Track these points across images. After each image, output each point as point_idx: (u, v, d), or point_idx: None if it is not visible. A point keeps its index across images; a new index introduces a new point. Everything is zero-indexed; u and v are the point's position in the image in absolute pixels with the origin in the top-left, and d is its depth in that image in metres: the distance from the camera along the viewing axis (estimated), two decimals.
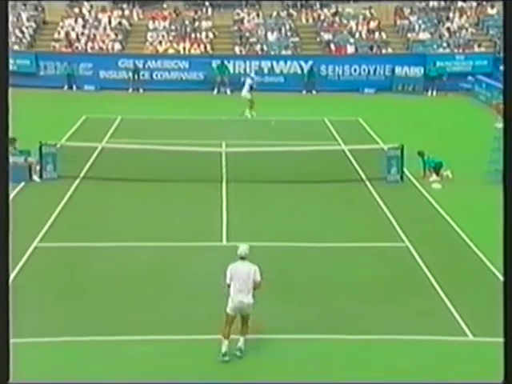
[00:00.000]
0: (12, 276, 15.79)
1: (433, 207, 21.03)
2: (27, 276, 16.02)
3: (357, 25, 43.84)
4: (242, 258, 13.02)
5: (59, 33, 43.09)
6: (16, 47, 41.77)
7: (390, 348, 13.28)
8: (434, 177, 23.42)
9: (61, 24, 43.61)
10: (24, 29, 42.92)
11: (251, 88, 33.22)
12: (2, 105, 3.17)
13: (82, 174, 23.74)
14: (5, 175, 3.17)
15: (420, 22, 43.92)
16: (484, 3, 44.55)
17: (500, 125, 23.61)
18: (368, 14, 44.39)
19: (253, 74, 31.68)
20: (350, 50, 42.49)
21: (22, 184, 22.62)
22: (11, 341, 3.40)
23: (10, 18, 42.93)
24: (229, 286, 12.68)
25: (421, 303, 14.96)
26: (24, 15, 43.61)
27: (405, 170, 23.65)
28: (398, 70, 40.50)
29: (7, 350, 3.37)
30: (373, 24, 43.78)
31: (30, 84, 38.82)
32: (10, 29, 42.24)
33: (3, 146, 3.22)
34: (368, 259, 17.43)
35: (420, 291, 15.47)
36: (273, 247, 17.93)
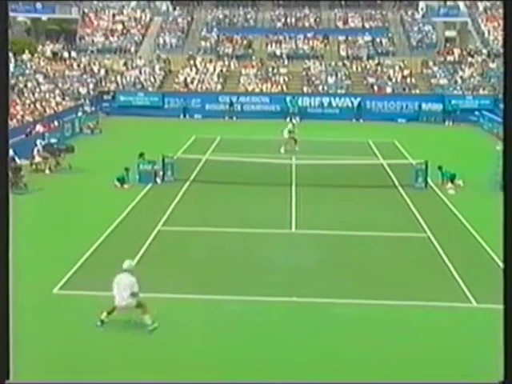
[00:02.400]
0: (142, 250, 16.12)
1: (448, 208, 20.64)
2: (154, 250, 16.31)
3: (393, 72, 43.24)
4: (125, 271, 12.00)
5: (179, 78, 43.75)
6: (150, 89, 42.72)
7: (411, 311, 13.06)
8: (450, 185, 22.96)
9: (181, 72, 44.28)
10: (156, 76, 43.78)
11: (289, 132, 29.34)
12: (2, 105, 2.72)
13: (191, 178, 24.02)
14: (5, 175, 2.72)
15: (440, 71, 43.17)
16: (487, 59, 43.56)
17: (499, 147, 23.00)
18: (402, 65, 43.75)
19: (294, 121, 28.74)
20: (389, 90, 41.92)
21: (150, 185, 23.02)
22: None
23: (148, 69, 43.91)
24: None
25: (438, 279, 14.70)
26: (156, 67, 44.52)
27: (428, 179, 23.25)
28: (423, 105, 39.80)
29: (7, 349, 2.86)
30: (405, 72, 43.13)
31: (158, 114, 39.73)
32: (147, 76, 43.23)
33: (3, 146, 2.73)
34: (399, 245, 17.20)
35: (437, 270, 15.19)
36: (329, 235, 17.86)
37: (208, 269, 15.10)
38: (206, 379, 10.17)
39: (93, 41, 47.45)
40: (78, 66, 44.13)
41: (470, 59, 44.05)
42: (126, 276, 11.99)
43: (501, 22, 46.34)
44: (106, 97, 41.49)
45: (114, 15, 50.06)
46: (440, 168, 23.31)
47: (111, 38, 47.82)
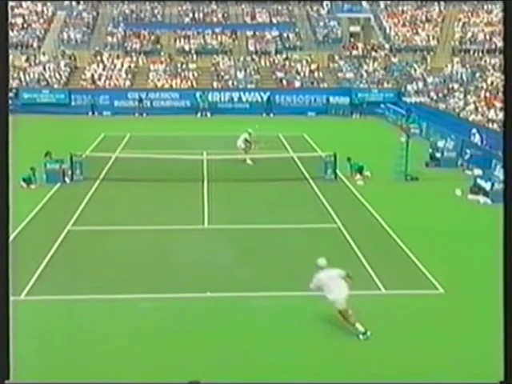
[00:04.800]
0: (51, 252, 15.63)
1: (357, 198, 21.14)
2: (64, 251, 15.86)
3: (301, 66, 43.91)
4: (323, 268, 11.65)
5: (86, 74, 42.68)
6: (55, 86, 41.44)
7: (325, 301, 13.29)
8: (358, 176, 23.53)
9: (87, 68, 43.22)
10: (61, 72, 42.51)
11: (246, 140, 26.49)
12: (1, 104, 2.69)
13: (101, 176, 23.52)
14: (5, 176, 2.69)
15: (346, 65, 44.23)
16: (390, 54, 45.05)
17: (403, 139, 23.80)
18: (309, 59, 44.49)
19: (250, 130, 27.03)
20: (297, 84, 42.53)
21: (58, 185, 22.37)
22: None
23: (52, 65, 42.49)
24: None
25: (348, 267, 15.02)
26: (62, 63, 43.24)
27: (337, 171, 23.73)
28: (331, 99, 40.60)
29: (7, 349, 2.85)
30: (313, 66, 43.89)
31: (64, 112, 38.61)
32: (52, 73, 41.83)
33: (4, 145, 2.72)
34: (309, 237, 17.46)
35: (348, 258, 15.52)
36: (242, 229, 17.92)
37: (120, 268, 14.83)
38: (122, 380, 9.96)
39: None
40: None
41: (373, 54, 45.35)
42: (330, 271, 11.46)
43: (400, 18, 48.05)
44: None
45: (12, 8, 47.99)
46: (349, 159, 23.84)
47: (11, 33, 45.85)
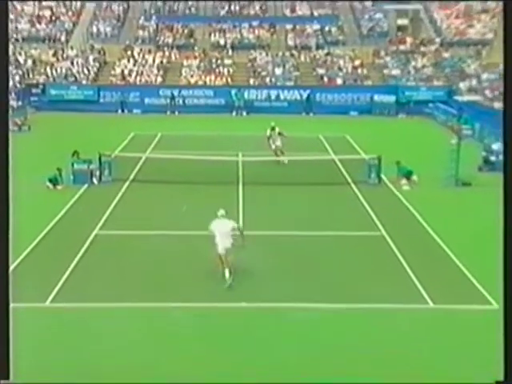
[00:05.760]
0: (78, 257, 15.90)
1: (403, 204, 21.00)
2: (92, 256, 16.09)
3: (344, 62, 43.81)
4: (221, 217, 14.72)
5: (116, 70, 43.27)
6: (83, 81, 42.07)
7: (368, 314, 13.24)
8: (405, 181, 23.38)
9: (117, 63, 43.81)
10: (90, 68, 43.14)
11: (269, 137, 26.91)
12: (1, 104, 2.80)
13: (131, 178, 23.81)
14: (5, 177, 2.81)
15: (392, 61, 43.98)
16: (441, 49, 44.63)
17: (454, 141, 23.57)
18: (352, 54, 44.37)
19: (273, 123, 27.20)
20: (339, 81, 42.44)
21: (85, 186, 22.72)
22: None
23: (80, 60, 43.18)
24: None
25: (393, 279, 14.94)
26: (90, 57, 43.88)
27: (382, 175, 23.62)
28: (376, 97, 40.47)
29: (7, 349, 2.99)
30: (356, 62, 43.76)
31: (93, 109, 39.26)
32: (80, 68, 42.50)
33: (4, 145, 2.84)
34: (351, 245, 17.40)
35: (393, 269, 15.43)
36: (279, 235, 17.95)
37: (150, 275, 14.99)
38: None
39: (17, 28, 46.24)
40: None
41: (422, 48, 45.01)
42: (224, 222, 14.51)
43: (454, 9, 47.52)
44: (34, 90, 40.65)
45: (40, 0, 48.99)
46: (398, 163, 23.69)
47: (38, 26, 46.83)
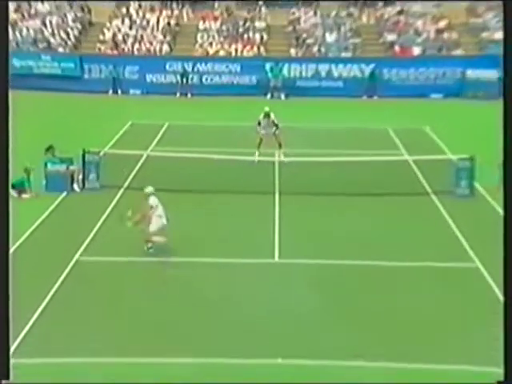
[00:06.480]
0: (51, 293, 16.03)
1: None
2: (70, 291, 16.19)
3: (424, 24, 43.66)
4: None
5: (105, 34, 43.53)
6: (60, 49, 42.30)
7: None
8: None
9: (107, 25, 44.05)
10: (69, 30, 43.43)
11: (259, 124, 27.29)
12: (1, 104, 2.90)
13: (126, 184, 23.93)
14: (5, 179, 3.04)
15: (495, 20, 43.40)
16: None
17: None
18: (437, 13, 44.14)
19: (267, 108, 27.83)
20: (417, 51, 42.35)
21: (63, 194, 22.88)
22: None
23: (55, 18, 43.57)
24: None
25: (492, 332, 14.79)
26: (70, 16, 44.13)
27: (476, 183, 23.44)
28: (469, 73, 40.21)
29: (7, 349, 3.46)
30: (442, 23, 43.54)
31: (74, 88, 39.51)
32: (55, 30, 42.83)
33: (4, 147, 3.00)
34: (432, 280, 17.29)
35: (492, 316, 15.27)
36: (328, 265, 17.90)
37: (151, 318, 15.05)
38: None
39: None
40: None
41: None
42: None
43: None
44: None
45: None
46: (501, 167, 23.32)
47: None
